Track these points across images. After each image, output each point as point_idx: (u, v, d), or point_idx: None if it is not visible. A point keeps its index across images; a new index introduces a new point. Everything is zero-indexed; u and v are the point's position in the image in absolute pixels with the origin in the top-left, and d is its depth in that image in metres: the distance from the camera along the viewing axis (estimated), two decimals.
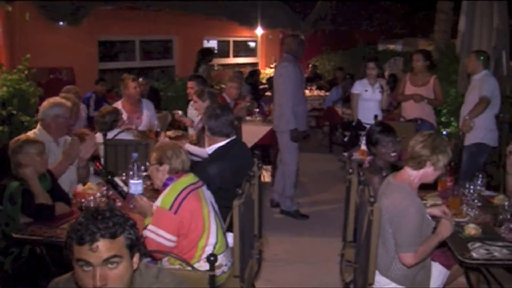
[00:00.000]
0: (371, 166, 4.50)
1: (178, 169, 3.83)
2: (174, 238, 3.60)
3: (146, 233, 3.60)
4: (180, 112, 7.30)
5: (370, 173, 4.33)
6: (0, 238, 3.81)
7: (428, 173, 3.62)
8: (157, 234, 3.57)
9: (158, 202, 3.68)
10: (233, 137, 4.70)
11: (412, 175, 3.65)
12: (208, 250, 3.72)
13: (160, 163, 3.83)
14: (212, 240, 3.75)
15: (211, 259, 2.74)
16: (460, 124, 6.89)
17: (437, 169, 3.60)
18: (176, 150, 3.88)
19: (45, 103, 5.09)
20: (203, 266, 3.62)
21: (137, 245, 2.19)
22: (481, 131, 6.63)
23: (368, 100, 7.69)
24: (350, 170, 4.52)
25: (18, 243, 3.85)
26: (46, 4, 9.48)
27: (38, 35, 9.36)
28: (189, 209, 3.64)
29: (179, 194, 3.65)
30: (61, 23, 10.02)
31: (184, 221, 3.63)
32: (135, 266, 2.20)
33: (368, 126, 7.29)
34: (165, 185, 3.78)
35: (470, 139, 6.66)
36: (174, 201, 3.61)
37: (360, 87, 7.78)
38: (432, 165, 3.58)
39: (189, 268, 3.01)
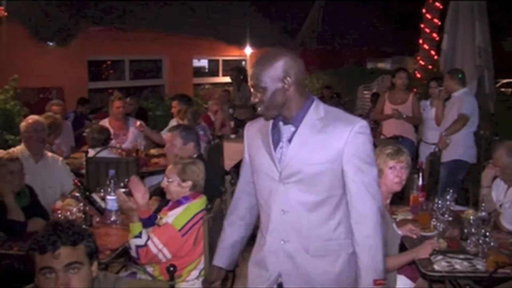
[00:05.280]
0: None
1: (201, 185, 3.91)
2: (170, 257, 3.69)
3: (149, 244, 3.65)
4: (138, 122, 7.20)
5: None
6: None
7: (384, 180, 3.78)
8: (158, 249, 3.65)
9: (169, 219, 3.76)
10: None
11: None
12: (194, 274, 3.87)
13: (183, 179, 3.88)
14: (201, 265, 3.87)
15: (171, 269, 2.85)
16: (437, 140, 6.97)
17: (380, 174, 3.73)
18: (198, 164, 3.96)
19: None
20: (183, 285, 3.75)
21: (95, 253, 2.33)
22: (460, 148, 6.68)
23: (430, 119, 7.49)
24: None
25: None
26: (35, 25, 9.62)
27: (27, 56, 9.48)
28: (195, 235, 3.76)
29: (192, 218, 3.76)
30: (50, 43, 10.16)
31: (186, 245, 3.76)
32: (94, 274, 2.33)
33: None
34: (179, 202, 3.86)
35: (448, 156, 6.72)
36: (185, 224, 3.73)
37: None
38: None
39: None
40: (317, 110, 2.72)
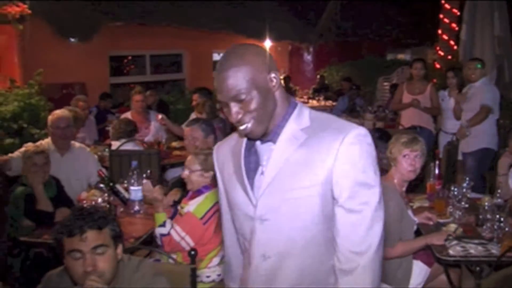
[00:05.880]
0: None
1: None
2: (193, 244, 3.78)
3: (172, 232, 3.77)
4: (160, 116, 7.22)
5: None
6: (8, 240, 4.08)
7: (399, 168, 3.91)
8: (181, 237, 3.78)
9: (191, 208, 3.88)
10: None
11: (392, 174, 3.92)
12: (215, 261, 3.98)
13: (206, 169, 3.97)
14: (222, 252, 3.93)
15: (192, 253, 2.96)
16: (456, 131, 6.93)
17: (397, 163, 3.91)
18: None
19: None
20: (205, 272, 3.87)
21: (120, 236, 2.48)
22: (486, 136, 6.66)
23: (449, 109, 7.34)
24: None
25: (25, 245, 4.13)
26: (58, 22, 9.77)
27: (50, 52, 9.57)
28: (216, 223, 3.85)
29: (212, 206, 3.85)
30: (72, 39, 10.33)
31: (208, 233, 3.87)
32: (119, 256, 2.47)
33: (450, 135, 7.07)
34: (199, 192, 3.96)
35: (475, 145, 6.65)
36: (206, 212, 3.84)
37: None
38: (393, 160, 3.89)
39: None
40: (300, 118, 2.05)
